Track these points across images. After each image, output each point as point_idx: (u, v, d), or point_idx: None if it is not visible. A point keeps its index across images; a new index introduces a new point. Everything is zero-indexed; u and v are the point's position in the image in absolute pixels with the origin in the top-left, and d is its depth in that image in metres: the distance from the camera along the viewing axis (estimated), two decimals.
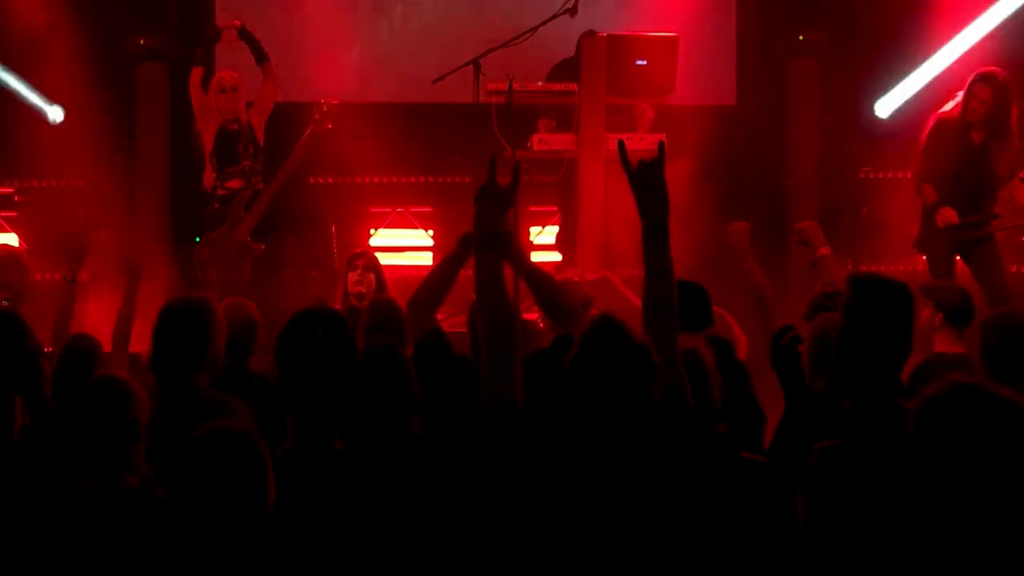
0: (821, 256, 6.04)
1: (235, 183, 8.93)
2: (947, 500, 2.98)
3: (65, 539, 3.91)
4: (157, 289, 7.23)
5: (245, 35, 9.12)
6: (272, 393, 4.13)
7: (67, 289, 6.18)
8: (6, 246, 8.12)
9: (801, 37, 10.76)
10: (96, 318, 7.21)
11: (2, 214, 10.44)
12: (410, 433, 4.06)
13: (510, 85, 8.63)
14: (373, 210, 10.73)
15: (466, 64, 8.59)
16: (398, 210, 10.74)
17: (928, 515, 3.00)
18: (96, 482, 3.98)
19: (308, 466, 3.77)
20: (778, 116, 10.91)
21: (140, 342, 5.67)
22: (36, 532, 3.97)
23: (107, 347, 5.40)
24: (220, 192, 8.95)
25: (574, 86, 9.06)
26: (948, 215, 8.20)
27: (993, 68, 8.24)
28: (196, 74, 9.02)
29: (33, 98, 10.00)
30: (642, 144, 8.51)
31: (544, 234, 10.22)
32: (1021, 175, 8.39)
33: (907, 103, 10.21)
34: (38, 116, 10.01)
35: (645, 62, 9.16)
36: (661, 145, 4.01)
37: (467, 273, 4.20)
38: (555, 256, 9.55)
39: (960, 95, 8.22)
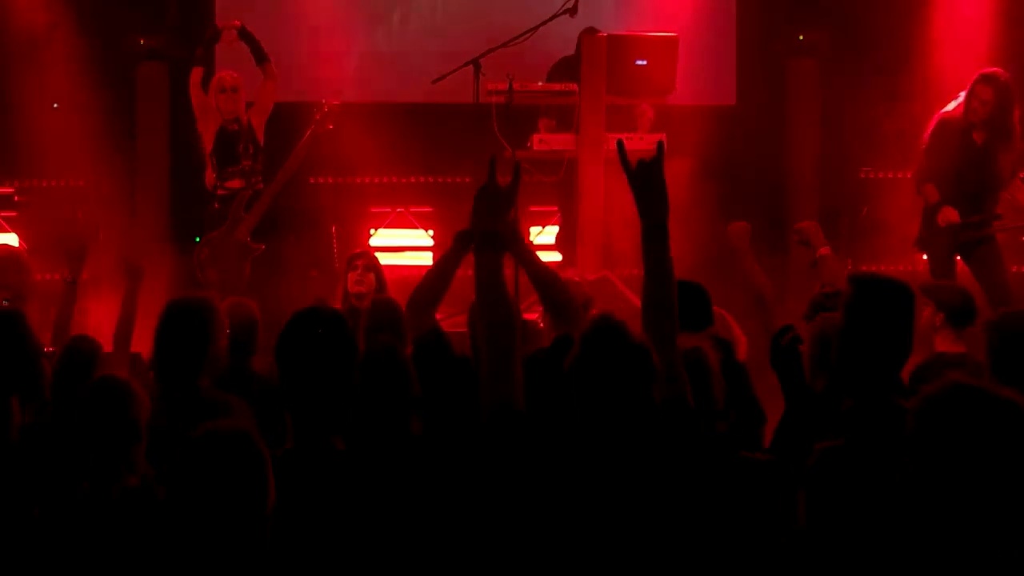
0: (821, 256, 6.04)
1: (235, 183, 8.93)
2: (946, 500, 2.98)
3: (65, 539, 3.91)
4: (157, 289, 7.22)
5: (245, 35, 9.12)
6: (273, 393, 4.13)
7: (68, 290, 6.18)
8: (6, 246, 8.11)
9: (801, 37, 10.76)
10: (96, 318, 7.22)
11: (2, 214, 10.44)
12: (410, 433, 4.06)
13: (510, 85, 8.64)
14: (373, 210, 10.73)
15: (466, 64, 8.59)
16: (398, 210, 10.74)
17: (928, 515, 3.00)
18: (96, 482, 3.98)
19: (308, 466, 3.77)
20: (778, 116, 10.91)
21: (140, 342, 5.67)
22: (36, 532, 3.97)
23: (107, 347, 5.40)
24: (220, 192, 8.95)
25: (574, 86, 9.06)
26: (949, 214, 8.20)
27: (995, 69, 8.24)
28: (196, 74, 9.02)
29: None
30: (642, 144, 8.51)
31: (544, 234, 10.23)
32: (1022, 175, 8.40)
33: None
34: (38, 116, 10.00)
35: (645, 62, 9.17)
36: (660, 145, 4.01)
37: (467, 273, 4.19)
38: (555, 256, 9.55)
39: (962, 95, 8.23)
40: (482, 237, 4.04)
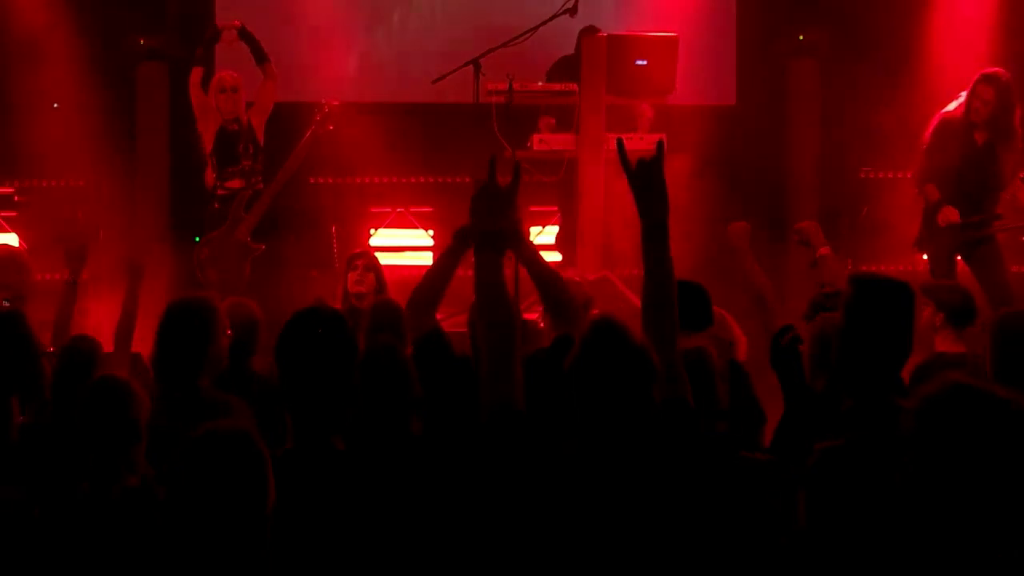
0: (821, 256, 6.03)
1: (235, 183, 8.93)
2: (945, 499, 2.98)
3: (65, 539, 3.91)
4: (157, 289, 7.23)
5: (245, 35, 9.12)
6: (273, 393, 4.13)
7: (68, 290, 6.18)
8: (6, 246, 8.12)
9: (801, 37, 10.77)
10: (96, 318, 7.21)
11: (2, 214, 10.44)
12: (410, 433, 4.05)
13: (510, 85, 8.64)
14: (373, 210, 10.73)
15: (466, 64, 8.59)
16: (398, 210, 10.75)
17: (927, 514, 3.00)
18: (96, 482, 3.98)
19: (308, 466, 3.76)
20: (778, 116, 10.91)
21: (140, 342, 5.67)
22: (36, 532, 3.96)
23: (107, 347, 5.40)
24: (220, 192, 8.95)
25: (574, 86, 9.06)
26: (950, 214, 8.20)
27: (997, 69, 8.24)
28: (196, 74, 9.02)
29: None
30: (642, 144, 8.52)
31: (544, 234, 10.22)
32: (1023, 176, 8.40)
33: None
34: (38, 116, 10.00)
35: (645, 62, 9.17)
36: (660, 144, 4.00)
37: (467, 273, 4.19)
38: (555, 256, 9.55)
39: (963, 95, 8.22)
40: (482, 237, 4.03)
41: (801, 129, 10.86)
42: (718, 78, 10.87)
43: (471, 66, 8.58)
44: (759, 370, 5.02)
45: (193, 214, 9.43)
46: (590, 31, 9.08)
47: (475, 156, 8.19)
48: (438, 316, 4.98)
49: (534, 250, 4.96)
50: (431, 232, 10.67)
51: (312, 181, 10.41)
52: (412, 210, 10.75)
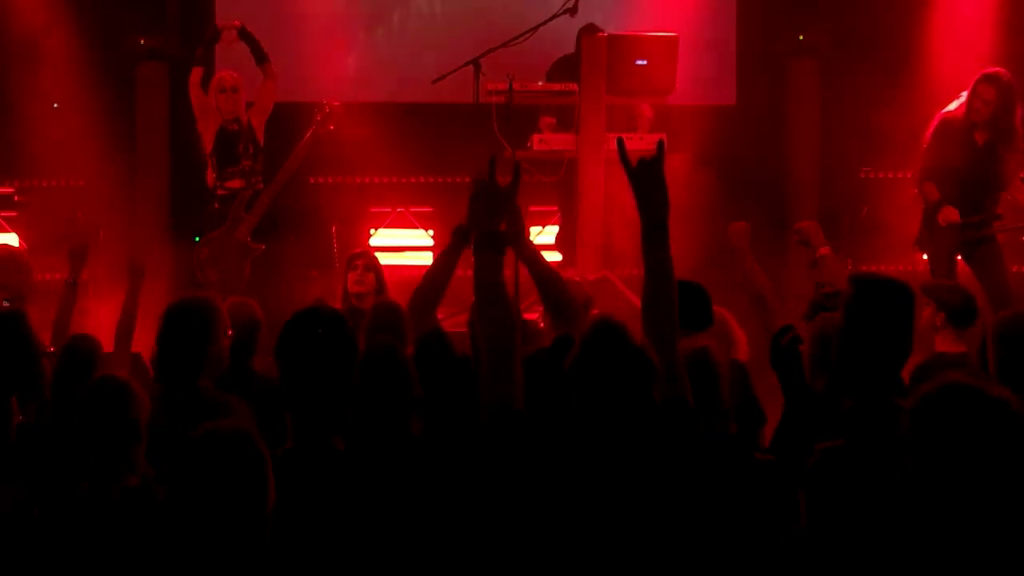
0: (821, 256, 6.03)
1: (235, 183, 8.93)
2: (945, 499, 2.98)
3: (65, 539, 3.91)
4: (157, 289, 7.23)
5: (245, 35, 9.12)
6: (273, 393, 4.13)
7: (68, 290, 6.18)
8: (6, 246, 8.12)
9: (801, 37, 10.76)
10: (96, 318, 7.22)
11: (2, 214, 10.44)
12: (410, 433, 4.05)
13: (510, 85, 8.64)
14: (373, 210, 10.73)
15: (466, 64, 8.60)
16: (398, 210, 10.74)
17: (927, 514, 3.00)
18: (96, 482, 3.98)
19: (308, 466, 3.76)
20: (778, 116, 10.91)
21: (140, 342, 5.67)
22: (36, 532, 3.96)
23: (108, 347, 5.40)
24: (220, 192, 8.95)
25: (574, 86, 9.06)
26: (950, 214, 8.20)
27: (998, 69, 8.24)
28: (196, 74, 9.02)
29: None
30: (642, 144, 8.51)
31: (544, 234, 10.22)
32: (1023, 176, 8.40)
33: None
34: (38, 116, 10.00)
35: (645, 62, 9.17)
36: (660, 144, 4.00)
37: (467, 273, 4.19)
38: (555, 256, 9.55)
39: (964, 95, 8.22)
40: (482, 237, 4.03)
41: (801, 129, 10.86)
42: (718, 78, 10.86)
43: (471, 66, 8.58)
44: (759, 370, 5.02)
45: (193, 214, 9.43)
46: (590, 31, 9.08)
47: (475, 156, 8.18)
48: (438, 316, 4.98)
49: (534, 250, 4.97)
50: (431, 232, 10.67)
51: (312, 181, 10.41)
52: (412, 210, 10.75)
